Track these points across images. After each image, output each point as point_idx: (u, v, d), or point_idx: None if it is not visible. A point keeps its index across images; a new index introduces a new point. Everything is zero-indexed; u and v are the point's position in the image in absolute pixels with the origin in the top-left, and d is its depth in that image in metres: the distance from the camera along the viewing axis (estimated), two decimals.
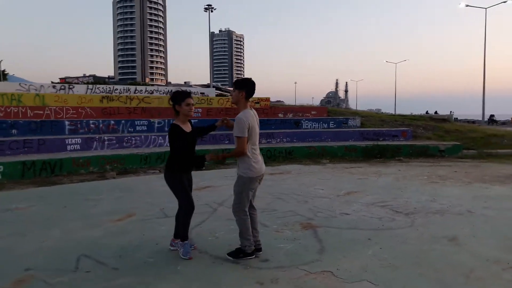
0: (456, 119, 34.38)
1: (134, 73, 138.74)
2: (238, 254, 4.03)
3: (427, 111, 51.87)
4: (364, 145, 13.02)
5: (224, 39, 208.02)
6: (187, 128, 4.09)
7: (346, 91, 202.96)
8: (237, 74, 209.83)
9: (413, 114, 23.04)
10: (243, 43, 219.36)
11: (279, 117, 16.97)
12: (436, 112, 44.04)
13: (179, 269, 3.87)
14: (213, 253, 4.28)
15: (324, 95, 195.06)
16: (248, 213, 4.06)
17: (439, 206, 6.14)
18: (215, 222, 5.52)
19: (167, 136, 13.99)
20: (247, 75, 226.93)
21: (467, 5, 31.22)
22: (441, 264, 3.87)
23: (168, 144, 4.10)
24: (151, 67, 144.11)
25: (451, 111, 44.84)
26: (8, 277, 3.70)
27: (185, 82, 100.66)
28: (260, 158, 4.04)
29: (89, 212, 6.16)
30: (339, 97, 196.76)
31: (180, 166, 4.07)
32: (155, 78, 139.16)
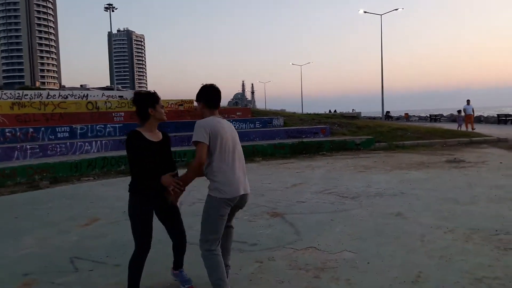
0: None
1: (22, 76, 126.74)
2: None
3: (329, 110, 55.99)
4: (291, 142, 13.99)
5: (123, 39, 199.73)
6: (155, 136, 3.21)
7: (252, 92, 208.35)
8: (138, 75, 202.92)
9: (326, 112, 24.93)
10: (144, 44, 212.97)
11: None
12: (335, 111, 47.94)
13: None
14: None
15: (232, 97, 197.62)
16: (216, 251, 3.11)
17: (375, 190, 7.14)
18: (187, 218, 5.78)
19: (93, 142, 13.32)
20: (149, 76, 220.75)
21: (365, 12, 34.63)
22: (398, 233, 4.71)
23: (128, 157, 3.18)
24: (42, 70, 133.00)
25: (353, 109, 49.19)
26: (10, 283, 3.69)
27: (81, 85, 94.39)
28: (234, 175, 3.11)
29: (48, 220, 6.02)
30: (246, 98, 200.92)
31: (143, 187, 3.16)
32: (47, 82, 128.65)
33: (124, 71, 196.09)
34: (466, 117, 21.32)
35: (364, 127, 16.38)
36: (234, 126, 3.39)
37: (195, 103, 3.38)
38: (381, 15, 33.00)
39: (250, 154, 13.34)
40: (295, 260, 4.01)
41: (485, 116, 29.86)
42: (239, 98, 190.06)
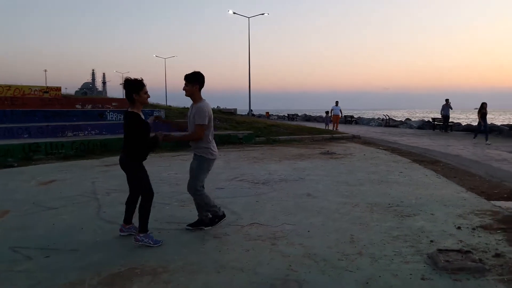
0: None
1: None
2: (199, 225, 4.60)
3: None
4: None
5: None
6: (142, 116, 4.13)
7: (104, 82, 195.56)
8: None
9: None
10: None
11: (77, 108, 16.22)
12: None
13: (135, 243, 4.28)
14: (158, 227, 4.79)
15: (80, 86, 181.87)
16: (204, 191, 4.51)
17: (278, 177, 8.02)
18: (113, 208, 5.76)
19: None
20: None
21: (234, 13, 36.09)
22: (317, 208, 5.58)
23: (127, 133, 4.09)
24: None
25: (217, 106, 50.78)
26: None
27: None
28: (215, 143, 4.55)
29: None
30: (97, 88, 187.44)
31: (144, 155, 4.19)
32: None
33: None
34: (333, 117, 23.15)
35: (242, 123, 17.45)
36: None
37: (187, 84, 4.31)
38: (249, 17, 35.02)
39: None
40: (248, 234, 4.52)
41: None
42: (89, 88, 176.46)
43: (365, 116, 47.13)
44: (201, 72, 4.36)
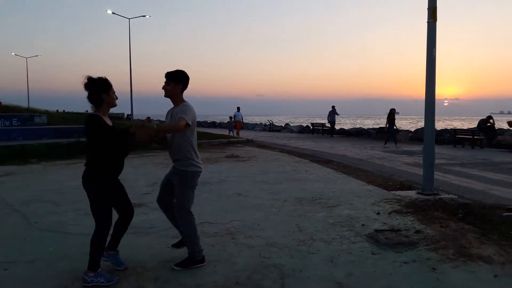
0: None
1: None
2: (190, 263, 3.70)
3: (57, 109, 52.13)
4: (66, 142, 13.19)
5: None
6: (109, 121, 3.45)
7: None
8: None
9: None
10: None
11: None
12: (64, 110, 45.16)
13: None
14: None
15: None
16: (193, 216, 3.81)
17: (199, 180, 8.20)
18: (43, 218, 5.39)
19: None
20: None
21: (113, 13, 34.15)
22: (254, 205, 6.01)
23: (87, 141, 3.39)
24: None
25: (86, 110, 47.52)
26: None
27: None
28: (198, 153, 3.86)
29: None
30: None
31: (107, 168, 3.38)
32: None
33: None
34: (236, 123, 23.28)
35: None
36: None
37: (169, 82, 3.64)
38: (129, 18, 33.79)
39: (20, 155, 11.86)
40: (205, 232, 4.73)
41: (218, 122, 35.30)
42: None
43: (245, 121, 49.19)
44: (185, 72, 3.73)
